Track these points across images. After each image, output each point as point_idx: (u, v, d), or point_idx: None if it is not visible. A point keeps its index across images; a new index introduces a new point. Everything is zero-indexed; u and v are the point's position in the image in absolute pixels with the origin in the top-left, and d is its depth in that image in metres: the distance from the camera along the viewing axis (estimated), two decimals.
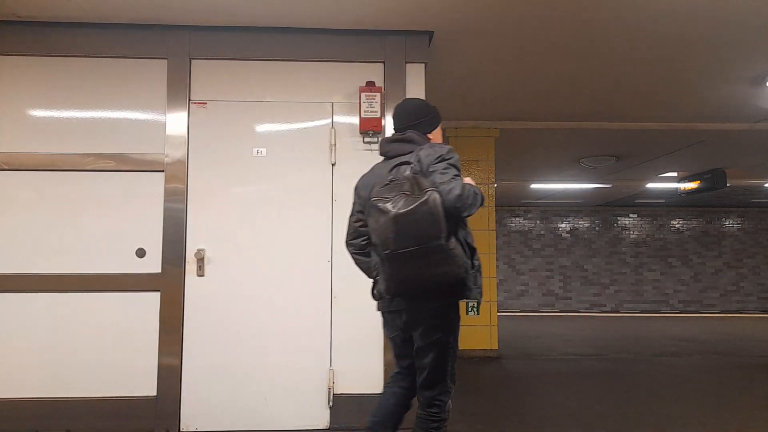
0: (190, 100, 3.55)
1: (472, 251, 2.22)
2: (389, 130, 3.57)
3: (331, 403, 3.43)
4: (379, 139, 3.58)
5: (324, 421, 3.44)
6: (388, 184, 2.14)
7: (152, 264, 3.45)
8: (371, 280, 2.42)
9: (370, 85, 3.56)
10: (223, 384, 3.42)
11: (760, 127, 5.84)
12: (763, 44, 3.81)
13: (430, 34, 3.65)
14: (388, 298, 2.27)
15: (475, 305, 5.82)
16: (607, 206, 13.65)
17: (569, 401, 4.12)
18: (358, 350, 3.48)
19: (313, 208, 3.54)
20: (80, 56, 3.53)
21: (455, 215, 2.05)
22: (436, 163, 2.13)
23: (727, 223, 14.20)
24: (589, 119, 5.78)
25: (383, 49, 3.61)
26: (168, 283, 3.44)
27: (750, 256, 14.14)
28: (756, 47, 3.86)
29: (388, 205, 2.03)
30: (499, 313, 6.02)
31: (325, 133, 3.59)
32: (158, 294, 3.43)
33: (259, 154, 3.55)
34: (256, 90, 3.59)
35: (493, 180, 6.04)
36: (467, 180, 2.15)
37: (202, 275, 3.46)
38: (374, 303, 3.50)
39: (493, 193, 6.03)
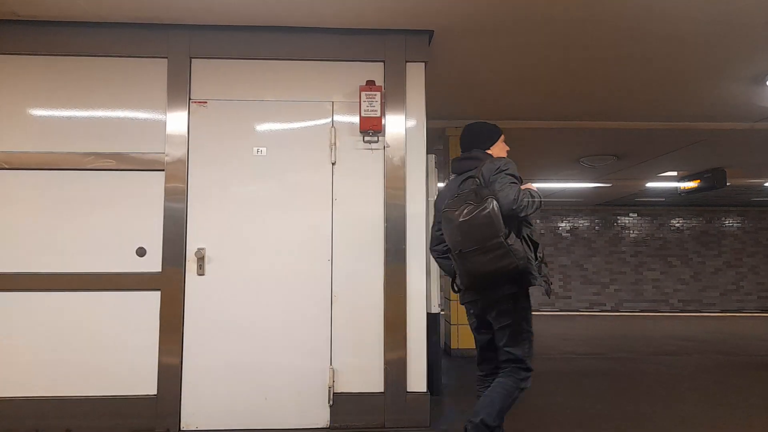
0: (190, 99, 3.55)
1: (535, 246, 2.55)
2: (389, 129, 3.58)
3: (331, 402, 3.44)
4: (380, 138, 3.59)
5: (324, 419, 3.44)
6: (456, 196, 2.57)
7: (152, 263, 3.46)
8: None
9: (370, 84, 3.56)
10: (224, 383, 3.42)
11: (761, 126, 5.84)
12: (764, 43, 3.81)
13: (430, 34, 3.65)
14: (464, 291, 2.67)
15: None
16: (606, 205, 13.66)
17: (569, 400, 4.12)
18: (358, 349, 3.49)
19: (314, 208, 3.54)
20: (80, 55, 3.53)
21: (514, 216, 2.43)
22: (495, 174, 2.52)
23: (726, 222, 14.21)
24: (589, 118, 5.78)
25: (383, 49, 3.61)
26: (168, 282, 3.44)
27: (750, 256, 14.14)
28: (756, 46, 3.86)
29: (455, 214, 2.46)
30: None
31: (326, 132, 3.59)
32: (158, 293, 3.44)
33: (259, 153, 3.55)
34: (257, 89, 3.59)
35: None
36: (529, 185, 2.53)
37: (203, 274, 3.46)
38: (374, 302, 3.54)
39: None
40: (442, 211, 2.61)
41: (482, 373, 2.78)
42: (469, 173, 2.66)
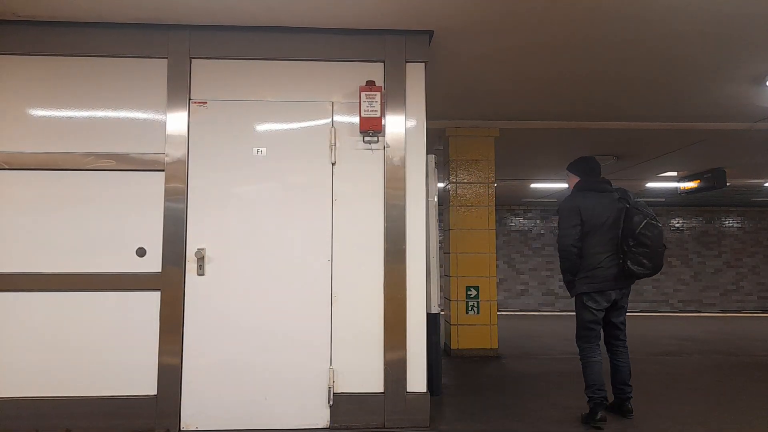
0: (190, 99, 3.55)
1: None
2: (389, 129, 3.57)
3: (331, 402, 3.44)
4: (380, 138, 3.58)
5: (324, 420, 3.44)
6: (630, 210, 3.59)
7: (152, 263, 3.46)
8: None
9: (370, 84, 3.56)
10: (224, 383, 3.42)
11: (760, 126, 5.84)
12: (764, 43, 3.81)
13: (430, 34, 3.65)
14: (623, 280, 3.64)
15: (476, 305, 5.83)
16: None
17: (569, 400, 4.12)
18: (358, 349, 3.49)
19: (314, 208, 3.54)
20: (81, 56, 3.53)
21: None
22: (635, 199, 3.66)
23: (726, 222, 14.22)
24: (589, 119, 5.78)
25: (383, 49, 3.61)
26: (168, 282, 3.44)
27: (750, 256, 14.16)
28: (756, 46, 3.86)
29: (656, 223, 3.54)
30: (499, 313, 6.02)
31: (325, 132, 3.59)
32: (158, 293, 3.44)
33: (259, 153, 3.55)
34: (257, 89, 3.59)
35: (493, 180, 6.04)
36: None
37: (203, 274, 3.46)
38: (374, 302, 3.53)
39: (493, 192, 6.03)
40: (649, 218, 3.52)
41: (596, 342, 3.70)
42: (612, 194, 3.71)
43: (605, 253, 3.61)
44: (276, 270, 3.50)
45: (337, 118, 3.60)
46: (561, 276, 3.84)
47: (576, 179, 3.89)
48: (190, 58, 3.55)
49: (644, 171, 8.64)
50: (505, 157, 6.89)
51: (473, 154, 6.01)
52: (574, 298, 3.77)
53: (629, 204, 3.61)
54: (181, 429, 3.38)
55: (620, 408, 3.73)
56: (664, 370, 5.35)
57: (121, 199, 3.48)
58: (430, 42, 3.70)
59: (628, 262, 3.53)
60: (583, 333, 3.68)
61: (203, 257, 3.46)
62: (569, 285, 3.77)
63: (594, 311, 3.63)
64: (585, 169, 3.88)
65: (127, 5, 3.28)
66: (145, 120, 3.54)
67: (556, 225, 13.99)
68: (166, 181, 3.48)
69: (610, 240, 3.62)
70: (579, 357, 3.70)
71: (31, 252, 3.43)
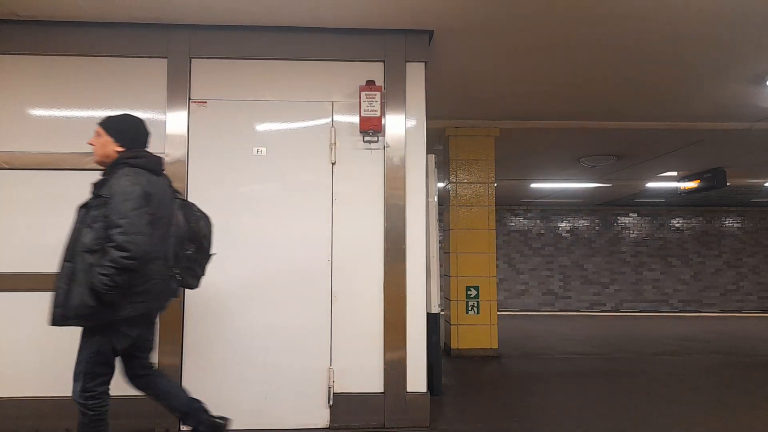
0: (190, 99, 3.54)
1: None
2: (389, 129, 3.57)
3: (331, 402, 3.43)
4: (380, 138, 3.58)
5: (324, 420, 3.44)
6: (199, 211, 2.90)
7: None
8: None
9: (370, 84, 3.56)
10: (223, 383, 3.42)
11: (760, 126, 5.83)
12: (764, 43, 3.80)
13: (430, 33, 3.65)
14: (165, 299, 2.70)
15: (476, 305, 5.83)
16: (607, 205, 13.66)
17: (569, 400, 4.12)
18: (358, 349, 3.48)
19: (313, 207, 3.54)
20: (80, 55, 3.53)
21: None
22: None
23: (727, 222, 14.21)
24: (589, 118, 5.78)
25: (383, 48, 3.61)
26: None
27: (750, 256, 14.14)
28: (756, 46, 3.86)
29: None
30: (499, 313, 6.01)
31: (325, 132, 3.58)
32: None
33: (259, 153, 3.55)
34: (257, 89, 3.59)
35: (493, 179, 6.03)
36: None
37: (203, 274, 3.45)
38: (374, 302, 3.53)
39: (493, 192, 6.03)
40: (208, 218, 2.87)
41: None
42: (167, 179, 2.81)
43: (160, 260, 2.58)
44: (276, 269, 3.50)
45: (337, 117, 3.59)
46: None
47: (117, 146, 2.64)
48: (190, 57, 3.55)
49: (644, 171, 8.64)
50: (505, 156, 6.89)
51: (473, 154, 6.01)
52: (87, 329, 2.63)
53: (184, 198, 2.85)
54: (181, 429, 3.38)
55: None
56: (664, 370, 5.35)
57: None
58: (430, 42, 3.70)
59: (185, 274, 2.71)
60: (103, 370, 2.54)
61: None
62: (107, 308, 2.46)
63: (131, 339, 2.56)
64: (135, 135, 2.69)
65: (127, 5, 3.28)
66: (144, 120, 3.52)
67: (556, 225, 14.01)
68: None
69: (164, 243, 2.62)
70: (86, 409, 2.48)
71: (31, 251, 3.42)
